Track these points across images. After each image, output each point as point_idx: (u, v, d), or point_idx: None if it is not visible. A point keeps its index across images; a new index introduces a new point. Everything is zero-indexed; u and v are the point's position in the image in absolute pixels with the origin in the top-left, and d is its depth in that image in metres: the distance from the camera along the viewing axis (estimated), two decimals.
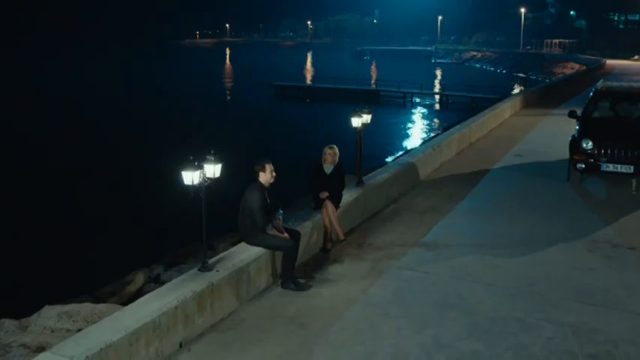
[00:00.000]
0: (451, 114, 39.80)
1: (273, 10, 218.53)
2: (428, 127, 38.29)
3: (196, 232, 6.74)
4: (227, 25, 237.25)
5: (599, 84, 13.98)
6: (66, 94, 50.57)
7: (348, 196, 9.38)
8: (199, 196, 6.25)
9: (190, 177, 6.11)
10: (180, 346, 5.90)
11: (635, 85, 14.46)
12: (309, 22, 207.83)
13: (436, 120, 41.15)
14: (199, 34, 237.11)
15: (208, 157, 6.25)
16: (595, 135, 11.84)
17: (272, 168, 7.22)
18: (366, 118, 9.63)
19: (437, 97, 51.82)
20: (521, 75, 75.36)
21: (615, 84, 14.90)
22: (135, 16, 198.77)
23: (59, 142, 29.28)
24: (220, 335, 6.21)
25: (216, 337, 6.18)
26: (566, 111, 13.67)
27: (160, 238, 14.66)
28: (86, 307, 7.82)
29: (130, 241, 14.81)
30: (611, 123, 12.61)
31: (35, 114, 39.95)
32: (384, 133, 31.95)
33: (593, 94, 13.32)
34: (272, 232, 7.15)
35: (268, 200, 7.18)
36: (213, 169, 6.26)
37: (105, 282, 11.32)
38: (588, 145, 11.75)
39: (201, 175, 6.17)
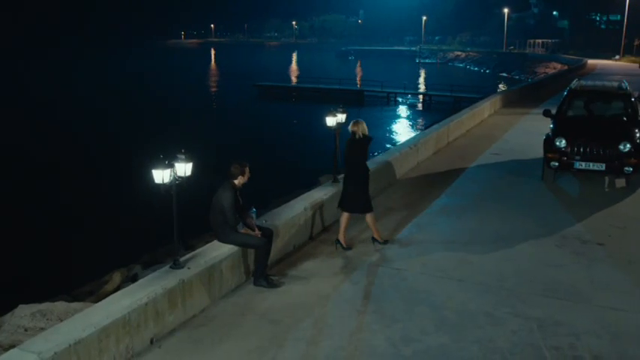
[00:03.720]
0: (434, 114, 40.00)
1: (258, 11, 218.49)
2: (411, 126, 38.50)
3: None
4: (212, 25, 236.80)
5: (574, 83, 14.18)
6: (44, 95, 50.28)
7: (323, 194, 9.51)
8: (170, 194, 6.32)
9: (161, 175, 6.19)
10: (151, 342, 5.96)
11: (608, 84, 14.67)
12: (294, 23, 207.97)
13: (419, 120, 41.37)
14: (185, 34, 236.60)
15: (179, 155, 6.33)
16: (568, 133, 12.03)
17: (248, 170, 7.29)
18: (341, 117, 9.69)
19: (420, 97, 52.07)
20: (504, 75, 76.04)
21: (589, 83, 15.10)
22: (120, 17, 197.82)
23: (34, 141, 29.13)
24: (191, 331, 6.27)
25: (187, 333, 6.24)
26: None
27: (140, 238, 14.62)
28: (60, 306, 7.84)
29: (110, 241, 14.81)
30: (584, 122, 12.81)
31: (9, 114, 39.64)
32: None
33: (567, 93, 13.52)
34: (244, 230, 7.23)
35: (240, 200, 7.25)
36: (184, 168, 6.34)
37: (83, 282, 11.36)
38: (561, 143, 11.94)
39: (172, 173, 6.25)
